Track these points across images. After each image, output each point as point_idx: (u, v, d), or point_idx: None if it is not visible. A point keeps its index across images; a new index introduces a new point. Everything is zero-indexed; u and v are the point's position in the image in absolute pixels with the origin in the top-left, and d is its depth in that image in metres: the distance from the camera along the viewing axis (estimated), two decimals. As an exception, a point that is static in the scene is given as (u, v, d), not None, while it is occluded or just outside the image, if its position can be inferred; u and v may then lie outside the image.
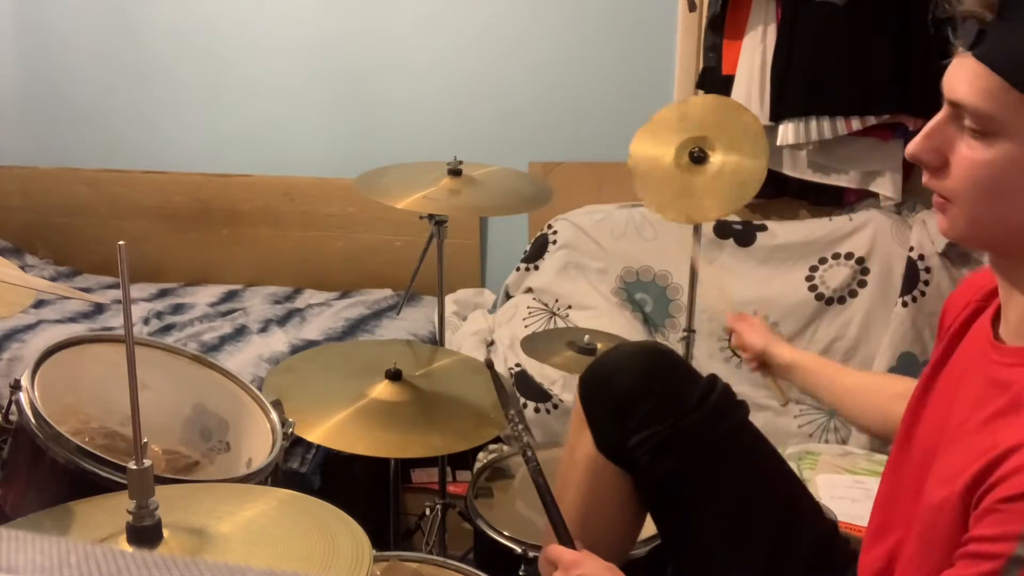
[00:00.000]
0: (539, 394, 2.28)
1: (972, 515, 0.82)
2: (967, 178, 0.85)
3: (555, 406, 2.26)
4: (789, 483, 1.35)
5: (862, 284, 2.36)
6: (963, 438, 0.89)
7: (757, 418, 2.31)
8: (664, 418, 1.26)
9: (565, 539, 1.20)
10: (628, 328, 2.34)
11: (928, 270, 2.30)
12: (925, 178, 0.91)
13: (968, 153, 0.84)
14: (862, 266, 2.36)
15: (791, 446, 2.14)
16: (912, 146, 0.89)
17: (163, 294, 2.99)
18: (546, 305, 2.48)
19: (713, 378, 1.34)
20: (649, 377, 1.29)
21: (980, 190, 0.84)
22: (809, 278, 2.37)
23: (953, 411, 0.95)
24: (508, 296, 2.62)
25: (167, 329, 2.58)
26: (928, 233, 2.33)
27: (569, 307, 2.45)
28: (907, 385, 1.18)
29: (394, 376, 1.68)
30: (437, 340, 2.13)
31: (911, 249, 2.32)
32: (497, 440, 2.21)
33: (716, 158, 1.83)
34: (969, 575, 0.81)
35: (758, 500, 1.28)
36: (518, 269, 2.61)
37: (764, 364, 1.56)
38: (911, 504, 0.97)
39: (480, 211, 2.51)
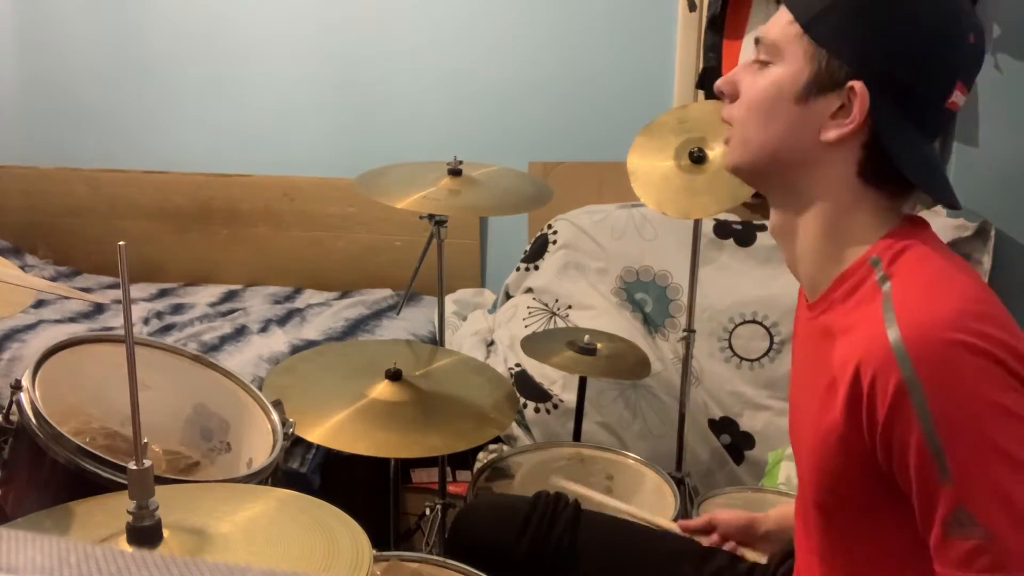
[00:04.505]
0: (539, 394, 2.28)
1: (885, 456, 0.88)
2: (744, 101, 1.00)
3: (555, 406, 2.26)
4: (658, 543, 1.40)
5: (862, 284, 2.35)
6: (816, 393, 0.97)
7: (757, 418, 2.34)
8: (505, 555, 1.37)
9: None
10: (628, 328, 2.35)
11: (928, 270, 2.30)
12: (723, 111, 1.05)
13: (750, 80, 1.00)
14: (862, 266, 2.35)
15: (791, 446, 2.14)
16: (717, 81, 1.04)
17: (163, 294, 2.99)
18: (546, 305, 2.48)
19: (535, 499, 1.43)
20: (489, 530, 1.42)
21: (752, 111, 0.99)
22: (809, 278, 2.37)
23: (804, 383, 1.05)
24: (508, 296, 2.62)
25: (167, 329, 2.58)
26: (928, 233, 2.33)
27: (569, 307, 2.46)
28: None
29: (394, 376, 1.68)
30: (437, 340, 2.13)
31: (911, 249, 2.32)
32: (497, 440, 2.21)
33: (716, 156, 1.83)
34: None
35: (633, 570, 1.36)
36: (518, 269, 2.61)
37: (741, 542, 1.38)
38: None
39: (480, 211, 2.51)
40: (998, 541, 0.82)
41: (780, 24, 0.97)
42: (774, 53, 0.97)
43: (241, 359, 2.35)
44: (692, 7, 2.57)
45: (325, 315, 2.70)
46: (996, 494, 0.82)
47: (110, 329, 2.57)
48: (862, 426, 0.89)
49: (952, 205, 0.98)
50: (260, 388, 1.46)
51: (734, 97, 1.02)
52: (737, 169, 1.04)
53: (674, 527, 1.44)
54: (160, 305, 2.80)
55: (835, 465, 0.94)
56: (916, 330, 0.85)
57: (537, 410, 2.27)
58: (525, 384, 2.30)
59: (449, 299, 2.74)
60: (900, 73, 0.92)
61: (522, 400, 2.26)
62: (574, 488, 1.57)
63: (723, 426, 2.35)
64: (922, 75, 0.93)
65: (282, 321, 2.65)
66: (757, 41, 1.00)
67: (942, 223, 2.33)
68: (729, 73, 1.03)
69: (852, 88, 0.92)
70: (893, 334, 0.86)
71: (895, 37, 0.92)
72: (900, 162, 0.94)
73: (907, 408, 0.84)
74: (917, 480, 0.85)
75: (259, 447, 1.34)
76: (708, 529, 1.39)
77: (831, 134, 0.95)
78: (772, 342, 2.34)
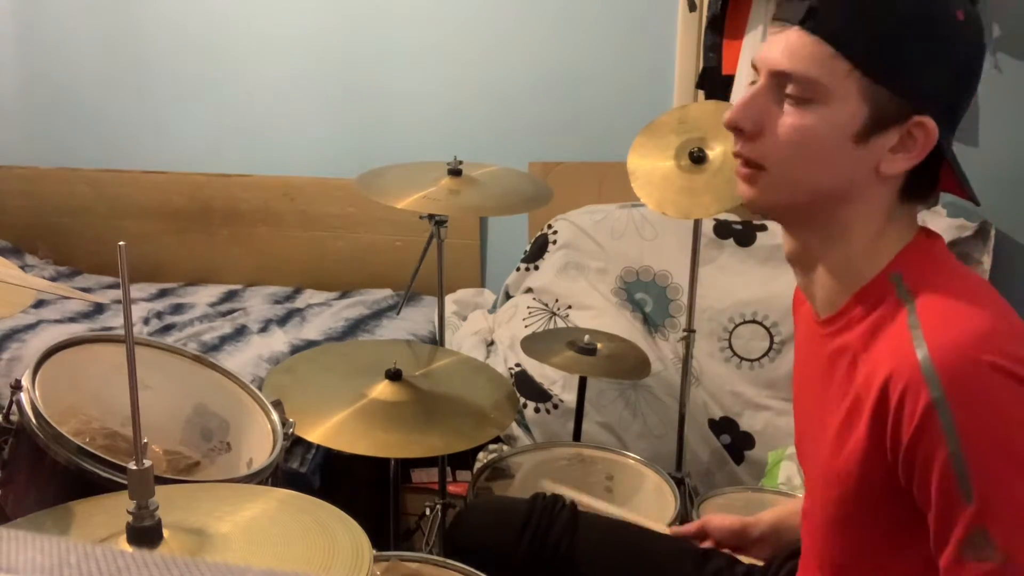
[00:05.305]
0: (539, 394, 2.28)
1: (905, 472, 0.88)
2: (787, 143, 0.92)
3: (555, 406, 2.26)
4: (656, 544, 1.40)
5: (862, 284, 2.35)
6: (834, 413, 0.96)
7: (757, 418, 2.34)
8: (504, 558, 1.37)
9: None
10: (628, 328, 2.34)
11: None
12: (737, 146, 0.96)
13: (788, 120, 0.91)
14: (862, 266, 2.35)
15: (791, 446, 2.14)
16: (731, 114, 0.94)
17: (163, 294, 2.99)
18: (546, 305, 2.48)
19: (532, 501, 1.42)
20: (487, 533, 1.42)
21: (796, 153, 0.91)
22: (809, 278, 2.37)
23: (816, 402, 1.02)
24: (508, 296, 2.62)
25: (167, 329, 2.58)
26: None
27: (569, 307, 2.46)
28: None
29: (394, 376, 1.68)
30: (437, 340, 2.13)
31: (911, 249, 2.32)
32: (497, 440, 2.21)
33: (716, 156, 1.83)
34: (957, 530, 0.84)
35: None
36: (518, 269, 2.60)
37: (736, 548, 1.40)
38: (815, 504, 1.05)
39: (480, 211, 2.51)
40: (1014, 566, 0.81)
41: (811, 56, 0.89)
42: (816, 91, 0.89)
43: (241, 359, 2.35)
44: (692, 7, 2.57)
45: (325, 315, 2.70)
46: (1019, 518, 0.81)
47: (110, 329, 2.57)
48: (885, 443, 0.88)
49: (976, 201, 0.97)
50: (260, 388, 1.46)
51: (755, 135, 0.93)
52: (770, 209, 0.98)
53: (667, 532, 1.43)
54: (160, 305, 2.80)
55: (855, 484, 0.93)
56: (946, 350, 0.84)
57: (537, 410, 2.27)
58: (525, 384, 2.30)
59: (449, 299, 2.74)
60: (958, 100, 0.92)
61: (522, 400, 2.26)
62: (567, 492, 1.57)
63: (723, 426, 2.35)
64: (969, 95, 0.94)
65: (282, 321, 2.65)
66: (781, 74, 0.91)
67: (943, 223, 2.33)
68: (743, 106, 0.93)
69: (919, 123, 0.89)
70: (922, 353, 0.85)
71: (956, 67, 0.91)
72: (958, 176, 0.93)
73: (935, 428, 0.83)
74: (937, 499, 0.84)
75: (259, 447, 1.34)
76: (701, 535, 1.39)
77: (896, 168, 0.91)
78: (772, 342, 2.34)
